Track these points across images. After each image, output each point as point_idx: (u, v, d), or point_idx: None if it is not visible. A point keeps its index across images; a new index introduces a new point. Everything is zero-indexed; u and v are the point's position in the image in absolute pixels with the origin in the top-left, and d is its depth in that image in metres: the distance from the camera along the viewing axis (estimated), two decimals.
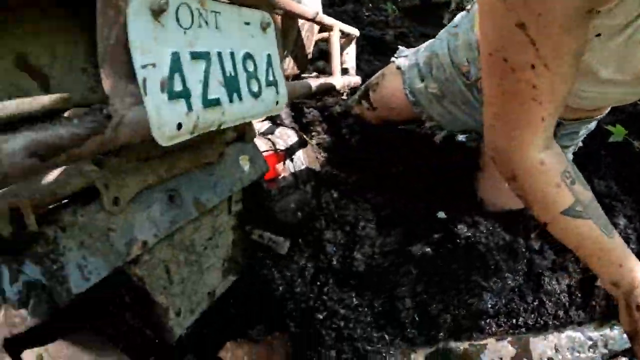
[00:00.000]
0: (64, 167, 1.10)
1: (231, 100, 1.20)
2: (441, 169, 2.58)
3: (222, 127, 1.17)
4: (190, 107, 1.05)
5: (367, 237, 2.33)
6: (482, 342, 2.35)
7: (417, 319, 2.30)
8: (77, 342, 1.32)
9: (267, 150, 2.11)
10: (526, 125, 1.14)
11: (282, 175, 2.22)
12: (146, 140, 0.95)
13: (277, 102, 1.43)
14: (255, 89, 1.32)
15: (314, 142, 2.78)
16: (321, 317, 2.27)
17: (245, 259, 1.88)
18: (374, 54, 3.66)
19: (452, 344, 2.32)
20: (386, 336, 2.25)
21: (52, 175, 1.10)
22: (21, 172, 0.81)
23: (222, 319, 2.36)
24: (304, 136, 2.55)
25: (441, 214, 2.52)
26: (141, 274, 1.36)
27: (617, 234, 1.34)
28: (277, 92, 1.44)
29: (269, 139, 2.22)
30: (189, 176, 1.42)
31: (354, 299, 2.32)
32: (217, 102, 1.15)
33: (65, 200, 1.15)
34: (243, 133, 1.66)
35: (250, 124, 1.67)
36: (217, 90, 1.16)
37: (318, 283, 2.34)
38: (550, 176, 1.22)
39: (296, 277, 2.33)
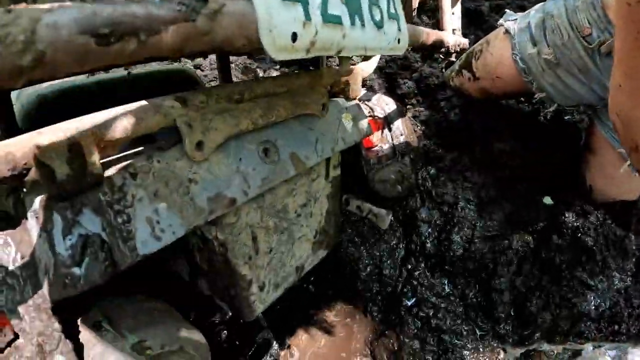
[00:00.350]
0: (140, 104, 0.79)
1: (353, 23, 0.83)
2: (548, 149, 2.08)
3: (341, 53, 0.80)
4: (308, 16, 0.69)
5: (466, 219, 1.90)
6: (577, 347, 1.88)
7: (512, 314, 1.87)
8: (141, 311, 1.04)
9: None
10: None
11: (380, 144, 1.84)
12: (250, 45, 0.61)
13: (398, 40, 1.04)
14: (377, 17, 0.94)
15: (410, 114, 2.37)
16: (408, 303, 1.89)
17: (338, 233, 1.52)
18: (469, 26, 3.15)
19: (546, 346, 1.87)
20: (477, 330, 1.84)
21: (125, 108, 0.78)
22: (69, 55, 0.49)
23: (303, 297, 2.05)
24: (402, 107, 2.15)
25: (547, 200, 2.02)
26: (223, 238, 1.04)
27: None
28: (399, 29, 1.05)
29: (367, 105, 1.85)
30: (287, 127, 1.06)
31: (446, 287, 1.92)
32: (338, 20, 0.77)
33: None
34: (346, 87, 1.30)
35: (355, 78, 1.30)
36: (338, 7, 0.78)
37: (408, 266, 1.95)
38: None
39: (385, 258, 1.95)
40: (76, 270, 0.72)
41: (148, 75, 1.88)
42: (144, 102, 0.81)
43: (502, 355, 1.81)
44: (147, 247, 0.80)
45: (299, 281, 2.05)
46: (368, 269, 1.94)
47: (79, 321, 0.92)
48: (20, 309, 0.77)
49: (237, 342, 1.65)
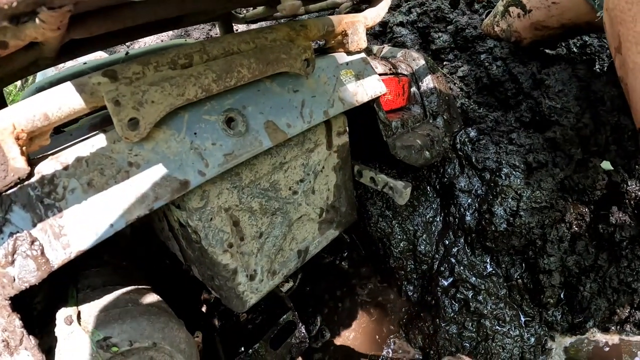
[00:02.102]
0: (65, 85, 0.67)
1: None
2: (605, 105, 1.68)
3: None
4: None
5: (511, 188, 1.60)
6: (637, 339, 1.55)
7: (562, 299, 1.58)
8: (117, 304, 0.93)
9: (385, 74, 1.49)
10: None
11: (407, 105, 1.59)
12: None
13: None
14: None
15: (445, 70, 2.07)
16: (445, 283, 1.66)
17: (353, 209, 1.31)
18: None
19: (599, 336, 1.55)
20: (521, 316, 1.57)
21: (47, 93, 0.66)
22: None
23: (330, 275, 1.87)
24: (433, 61, 1.86)
25: (606, 165, 1.63)
26: (194, 225, 0.88)
27: None
28: None
29: (388, 62, 1.58)
30: (260, 91, 0.86)
31: (488, 266, 1.65)
32: None
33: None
34: (344, 39, 1.06)
35: (355, 28, 1.06)
36: None
37: (445, 242, 1.71)
38: None
39: (420, 233, 1.72)
40: (10, 270, 0.66)
41: (147, 53, 1.75)
42: (68, 84, 0.67)
43: (549, 344, 1.53)
44: (82, 242, 0.70)
45: (329, 259, 1.89)
46: (401, 245, 1.72)
47: (57, 314, 0.87)
48: None
49: (258, 325, 1.53)
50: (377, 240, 1.77)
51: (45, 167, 0.69)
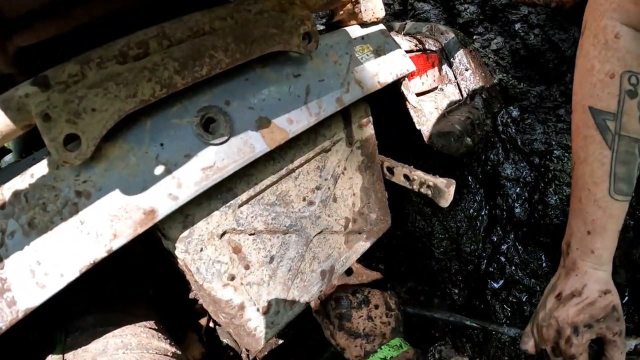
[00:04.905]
0: None
1: None
2: None
3: None
4: None
5: (565, 172, 1.33)
6: None
7: (628, 297, 1.31)
8: (108, 347, 0.77)
9: (411, 51, 1.24)
10: None
11: (439, 85, 1.33)
12: None
13: None
14: None
15: (477, 45, 1.79)
16: (495, 286, 1.41)
17: (386, 214, 1.08)
18: None
19: None
20: None
21: None
22: None
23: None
24: (464, 35, 1.59)
25: None
26: (182, 258, 0.67)
27: (626, 205, 0.84)
28: None
29: (413, 37, 1.33)
30: (246, 80, 0.64)
31: (543, 264, 1.38)
32: None
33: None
34: (355, 7, 0.83)
35: None
36: None
37: (493, 238, 1.45)
38: (612, 58, 0.77)
39: (464, 230, 1.47)
40: None
41: None
42: None
43: None
44: (30, 298, 0.52)
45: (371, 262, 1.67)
46: (443, 245, 1.48)
47: None
48: None
49: None
50: (416, 240, 1.54)
51: None
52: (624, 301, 1.30)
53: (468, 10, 1.89)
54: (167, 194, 0.55)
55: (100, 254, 0.52)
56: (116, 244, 0.52)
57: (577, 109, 0.87)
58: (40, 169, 0.53)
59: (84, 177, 0.52)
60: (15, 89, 0.50)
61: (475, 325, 1.22)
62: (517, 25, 1.75)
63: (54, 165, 0.53)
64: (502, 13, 1.83)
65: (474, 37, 1.88)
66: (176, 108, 0.58)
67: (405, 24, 1.55)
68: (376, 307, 1.07)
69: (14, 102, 0.49)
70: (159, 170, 0.55)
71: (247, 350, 1.27)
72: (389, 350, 0.98)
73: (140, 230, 0.53)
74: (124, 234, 0.52)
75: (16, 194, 0.52)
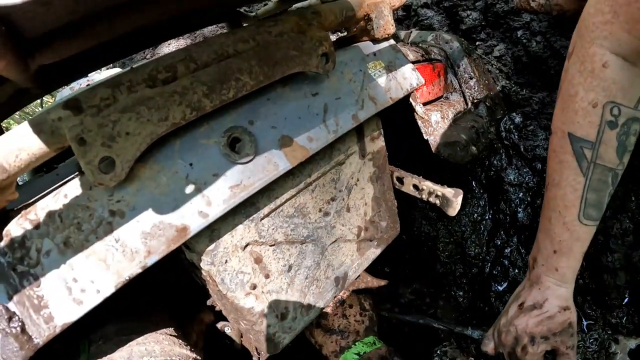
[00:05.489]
0: (21, 127, 0.51)
1: None
2: None
3: None
4: None
5: None
6: None
7: (628, 299, 1.33)
8: (132, 354, 0.78)
9: (417, 61, 1.26)
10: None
11: (444, 94, 1.35)
12: None
13: None
14: None
15: (479, 52, 1.81)
16: (499, 288, 1.43)
17: (396, 221, 1.10)
18: None
19: None
20: (583, 319, 1.34)
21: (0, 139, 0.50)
22: None
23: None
24: (468, 43, 1.61)
25: None
26: (207, 269, 0.70)
27: (593, 229, 0.85)
28: None
29: (419, 47, 1.35)
30: (269, 100, 0.66)
31: None
32: None
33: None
34: (368, 24, 0.85)
35: (379, 10, 0.84)
36: None
37: (497, 242, 1.47)
38: (597, 88, 0.76)
39: (468, 234, 1.49)
40: None
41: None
42: (25, 124, 0.51)
43: (613, 347, 1.30)
44: (66, 314, 0.53)
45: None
46: (448, 249, 1.50)
47: None
48: None
49: None
50: (421, 244, 1.56)
51: (14, 228, 0.53)
52: (623, 303, 1.32)
53: (471, 17, 1.91)
54: (197, 211, 0.57)
55: (135, 270, 0.54)
56: (150, 261, 0.54)
57: (557, 132, 0.86)
58: (73, 189, 0.55)
59: (117, 197, 0.54)
60: (47, 112, 0.51)
61: (442, 327, 1.29)
62: (520, 32, 1.77)
63: (87, 186, 0.55)
64: (504, 20, 1.85)
65: (477, 43, 1.90)
66: (203, 129, 0.60)
67: (411, 32, 1.57)
68: (350, 306, 1.14)
69: (47, 125, 0.50)
70: (189, 189, 0.57)
71: (258, 353, 1.29)
72: (363, 346, 1.02)
73: (173, 247, 0.55)
74: (158, 250, 0.55)
75: (50, 214, 0.54)
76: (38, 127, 0.50)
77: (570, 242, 0.87)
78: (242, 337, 1.22)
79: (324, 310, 1.03)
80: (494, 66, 1.74)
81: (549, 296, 0.90)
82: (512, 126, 1.50)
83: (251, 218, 0.71)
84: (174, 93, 0.53)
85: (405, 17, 2.23)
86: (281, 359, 1.30)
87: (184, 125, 0.56)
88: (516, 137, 1.48)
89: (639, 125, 0.81)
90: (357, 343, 1.03)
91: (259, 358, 1.30)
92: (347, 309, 1.13)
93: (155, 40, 1.35)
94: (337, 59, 0.76)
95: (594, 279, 1.36)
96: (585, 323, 1.35)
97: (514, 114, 1.53)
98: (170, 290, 1.09)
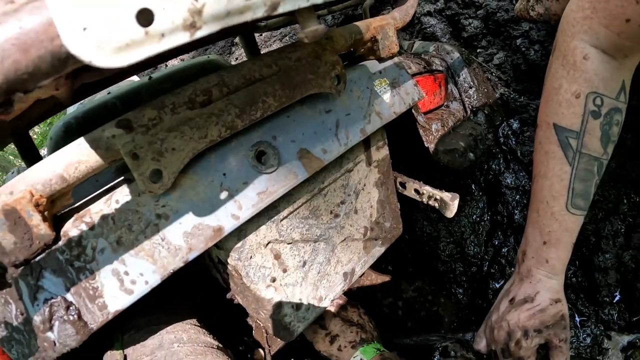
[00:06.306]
0: (78, 142, 0.59)
1: None
2: None
3: (279, 9, 0.47)
4: None
5: None
6: None
7: (619, 296, 1.42)
8: (163, 341, 0.88)
9: (419, 73, 1.36)
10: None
11: (445, 102, 1.45)
12: None
13: None
14: None
15: (480, 59, 1.90)
16: (497, 286, 1.52)
17: (398, 223, 1.20)
18: None
19: None
20: (576, 316, 1.42)
21: (60, 153, 0.59)
22: None
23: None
24: (469, 53, 1.70)
25: None
26: (233, 264, 0.79)
27: (581, 219, 0.87)
28: None
29: (421, 59, 1.45)
30: (289, 118, 0.75)
31: None
32: None
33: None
34: (375, 45, 0.94)
35: (385, 31, 0.93)
36: None
37: (495, 242, 1.56)
38: (579, 79, 0.79)
39: (467, 234, 1.58)
40: (50, 335, 0.61)
41: (171, 75, 1.67)
42: (81, 140, 0.59)
43: (605, 343, 1.37)
44: (118, 302, 0.63)
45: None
46: (449, 248, 1.59)
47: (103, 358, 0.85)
48: None
49: None
50: (423, 243, 1.65)
51: (71, 229, 0.61)
52: (614, 300, 1.40)
53: (472, 25, 1.98)
54: (230, 214, 0.66)
55: (178, 264, 0.64)
56: (192, 256, 0.64)
57: (542, 125, 0.88)
58: (124, 195, 0.64)
59: (162, 202, 0.64)
60: (102, 129, 0.60)
61: (440, 339, 1.34)
62: (519, 41, 1.84)
63: (136, 193, 0.64)
64: (504, 28, 1.91)
65: (478, 50, 1.98)
66: (234, 144, 0.69)
67: (413, 43, 1.66)
68: (363, 314, 1.17)
69: (103, 142, 0.59)
70: (223, 195, 0.66)
71: (269, 345, 1.38)
72: (381, 346, 1.05)
73: (211, 244, 0.65)
74: (198, 247, 0.64)
75: (104, 217, 0.63)
76: (94, 143, 0.59)
77: (559, 232, 0.87)
78: (253, 331, 1.32)
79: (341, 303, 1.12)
80: (494, 74, 1.82)
81: (540, 289, 0.90)
82: (510, 132, 1.59)
83: (273, 219, 0.81)
84: (211, 115, 0.62)
85: (409, 25, 2.31)
86: (286, 353, 1.39)
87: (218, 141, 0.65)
88: (514, 142, 1.57)
89: (621, 116, 0.83)
90: (374, 341, 1.06)
91: (269, 350, 1.39)
92: (362, 314, 1.16)
93: (173, 55, 1.45)
94: (347, 77, 0.86)
95: (587, 277, 1.44)
96: (578, 319, 1.43)
97: (512, 120, 1.62)
98: (190, 289, 1.18)
